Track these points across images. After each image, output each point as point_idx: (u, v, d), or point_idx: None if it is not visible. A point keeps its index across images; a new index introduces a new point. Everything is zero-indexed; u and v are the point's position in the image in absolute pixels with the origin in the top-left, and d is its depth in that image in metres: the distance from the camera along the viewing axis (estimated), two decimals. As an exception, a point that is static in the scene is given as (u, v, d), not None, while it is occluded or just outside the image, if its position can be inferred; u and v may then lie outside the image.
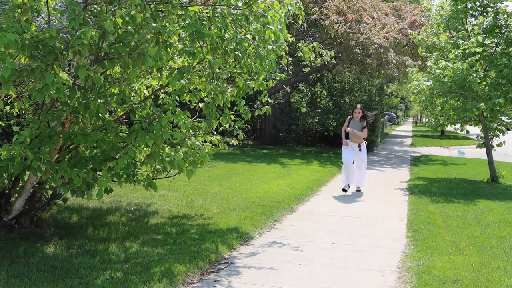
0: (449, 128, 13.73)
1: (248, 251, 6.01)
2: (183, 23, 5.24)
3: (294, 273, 5.23)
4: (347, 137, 10.60)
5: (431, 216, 7.93)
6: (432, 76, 11.57)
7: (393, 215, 8.26)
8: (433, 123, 12.92)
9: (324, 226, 7.35)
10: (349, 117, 10.64)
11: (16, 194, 5.98)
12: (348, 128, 10.48)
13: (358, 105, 10.74)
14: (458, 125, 12.78)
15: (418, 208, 8.58)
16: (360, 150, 10.63)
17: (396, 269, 5.43)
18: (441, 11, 12.49)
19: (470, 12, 12.28)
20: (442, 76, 11.15)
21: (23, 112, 7.00)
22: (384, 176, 13.75)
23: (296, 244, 6.31)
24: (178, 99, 6.05)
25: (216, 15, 5.39)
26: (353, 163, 10.54)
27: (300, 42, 7.16)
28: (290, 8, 6.17)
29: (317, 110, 22.82)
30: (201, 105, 6.10)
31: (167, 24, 5.18)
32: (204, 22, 5.16)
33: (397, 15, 20.30)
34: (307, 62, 7.11)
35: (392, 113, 62.08)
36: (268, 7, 5.72)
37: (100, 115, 5.39)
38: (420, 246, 6.16)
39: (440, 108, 12.67)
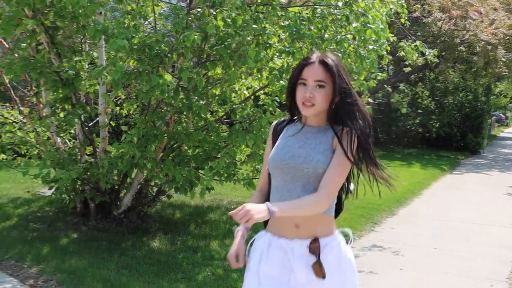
0: None
1: (346, 253, 5.92)
2: (282, 24, 5.27)
3: (394, 278, 5.09)
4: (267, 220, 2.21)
5: (545, 223, 7.40)
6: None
7: (501, 221, 7.79)
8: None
9: (426, 230, 7.09)
10: (275, 122, 2.47)
11: (125, 190, 6.31)
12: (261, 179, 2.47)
13: (318, 55, 2.24)
14: None
15: (530, 215, 8.04)
16: (321, 274, 2.20)
17: (507, 279, 5.11)
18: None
19: None
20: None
21: (130, 112, 7.37)
22: (492, 180, 13.00)
23: (397, 248, 6.13)
24: (277, 100, 6.10)
25: (316, 15, 5.37)
26: None
27: (401, 41, 6.95)
28: (391, 6, 6.01)
29: (419, 111, 22.06)
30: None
31: (267, 25, 5.23)
32: (304, 23, 5.16)
33: (507, 9, 19.16)
34: (410, 62, 6.88)
35: (501, 114, 58.73)
36: (369, 6, 5.61)
37: (202, 115, 5.55)
38: (533, 255, 5.77)
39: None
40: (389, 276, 5.11)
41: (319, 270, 2.20)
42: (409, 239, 6.59)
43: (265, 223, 2.36)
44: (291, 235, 2.22)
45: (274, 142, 2.37)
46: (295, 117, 2.38)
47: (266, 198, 2.37)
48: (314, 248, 2.20)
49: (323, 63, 2.20)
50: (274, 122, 2.45)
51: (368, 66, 6.01)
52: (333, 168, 2.18)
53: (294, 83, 2.25)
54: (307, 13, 5.42)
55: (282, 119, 2.46)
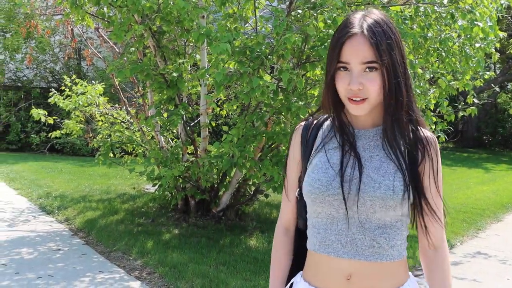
0: None
1: (448, 259, 5.70)
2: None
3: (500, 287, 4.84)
4: (295, 271, 1.62)
5: None
6: None
7: None
8: None
9: (536, 240, 6.67)
10: (303, 123, 1.58)
11: (224, 189, 6.47)
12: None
13: (360, 18, 1.39)
14: None
15: None
16: None
17: None
18: None
19: None
20: None
21: (230, 113, 7.55)
22: None
23: (503, 257, 5.81)
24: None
25: (419, 13, 5.21)
26: None
27: (512, 37, 6.56)
28: (503, 1, 5.69)
29: (529, 111, 20.79)
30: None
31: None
32: (406, 22, 5.03)
33: None
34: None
35: None
36: (477, 2, 5.36)
37: (300, 116, 5.57)
38: None
39: None
40: (494, 286, 4.86)
41: None
42: (517, 248, 6.24)
43: (301, 258, 1.60)
44: None
45: (306, 156, 1.53)
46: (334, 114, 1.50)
47: (297, 242, 1.64)
48: None
49: (371, 32, 1.36)
50: (302, 123, 1.58)
51: (474, 65, 5.75)
52: (438, 197, 1.61)
53: (334, 72, 1.41)
54: (409, 12, 5.28)
55: (313, 116, 1.58)
